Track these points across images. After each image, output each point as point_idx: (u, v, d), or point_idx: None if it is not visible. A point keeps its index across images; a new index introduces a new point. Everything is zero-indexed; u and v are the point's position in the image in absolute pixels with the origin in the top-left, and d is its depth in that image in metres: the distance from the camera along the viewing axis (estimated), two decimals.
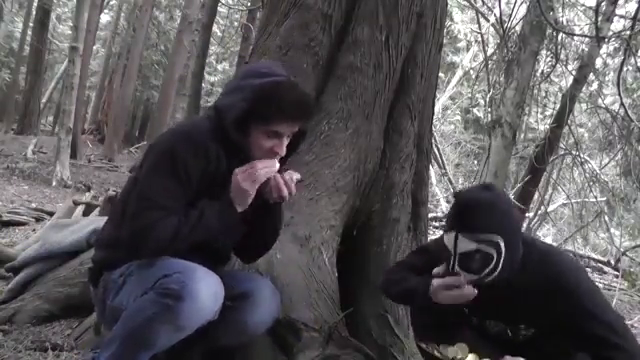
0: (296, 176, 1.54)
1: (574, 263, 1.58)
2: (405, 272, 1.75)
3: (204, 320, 1.39)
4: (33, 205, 5.29)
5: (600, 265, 8.41)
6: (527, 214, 7.86)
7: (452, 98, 14.06)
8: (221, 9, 11.63)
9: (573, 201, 8.30)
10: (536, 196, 8.02)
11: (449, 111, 15.10)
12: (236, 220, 1.50)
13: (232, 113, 1.46)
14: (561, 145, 7.44)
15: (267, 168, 1.48)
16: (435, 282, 1.56)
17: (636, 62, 5.64)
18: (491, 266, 1.48)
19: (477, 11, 8.48)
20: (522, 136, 8.88)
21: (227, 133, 1.47)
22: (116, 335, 1.38)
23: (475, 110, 12.59)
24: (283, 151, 1.53)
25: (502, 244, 1.47)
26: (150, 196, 1.41)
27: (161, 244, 1.40)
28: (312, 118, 1.59)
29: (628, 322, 4.93)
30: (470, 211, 1.50)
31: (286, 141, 1.53)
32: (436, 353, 1.61)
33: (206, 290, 1.35)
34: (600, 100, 7.19)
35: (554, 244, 8.78)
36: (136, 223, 1.40)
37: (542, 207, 8.25)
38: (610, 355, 1.44)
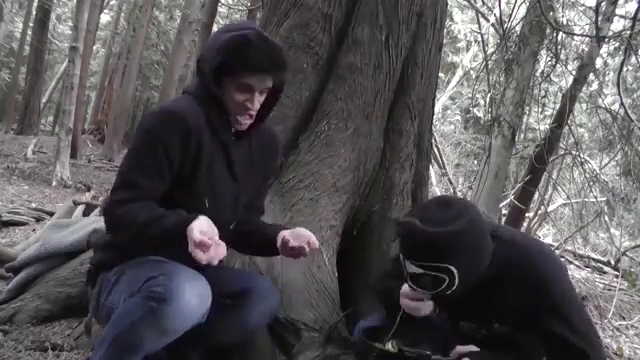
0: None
1: (556, 262, 1.52)
2: (388, 282, 1.72)
3: (190, 323, 1.37)
4: (33, 205, 5.29)
5: (600, 265, 8.40)
6: (527, 214, 7.85)
7: (452, 98, 14.05)
8: (221, 9, 11.64)
9: (573, 201, 8.28)
10: (536, 196, 8.01)
11: (449, 111, 15.09)
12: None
13: (207, 68, 1.49)
14: (561, 145, 7.43)
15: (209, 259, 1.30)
16: (402, 290, 1.59)
17: (638, 60, 5.63)
18: (444, 286, 1.43)
19: (477, 11, 8.48)
20: (522, 136, 8.87)
21: (208, 87, 1.49)
22: (105, 337, 1.38)
23: (475, 110, 12.58)
24: (255, 106, 1.53)
25: (454, 269, 1.40)
26: (126, 174, 1.44)
27: (122, 223, 1.39)
28: (284, 71, 1.57)
29: (628, 322, 4.93)
30: (416, 243, 1.43)
31: (259, 97, 1.53)
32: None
33: (190, 292, 1.33)
34: (600, 100, 7.17)
35: (554, 243, 8.79)
36: (108, 200, 1.43)
37: (542, 207, 8.25)
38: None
